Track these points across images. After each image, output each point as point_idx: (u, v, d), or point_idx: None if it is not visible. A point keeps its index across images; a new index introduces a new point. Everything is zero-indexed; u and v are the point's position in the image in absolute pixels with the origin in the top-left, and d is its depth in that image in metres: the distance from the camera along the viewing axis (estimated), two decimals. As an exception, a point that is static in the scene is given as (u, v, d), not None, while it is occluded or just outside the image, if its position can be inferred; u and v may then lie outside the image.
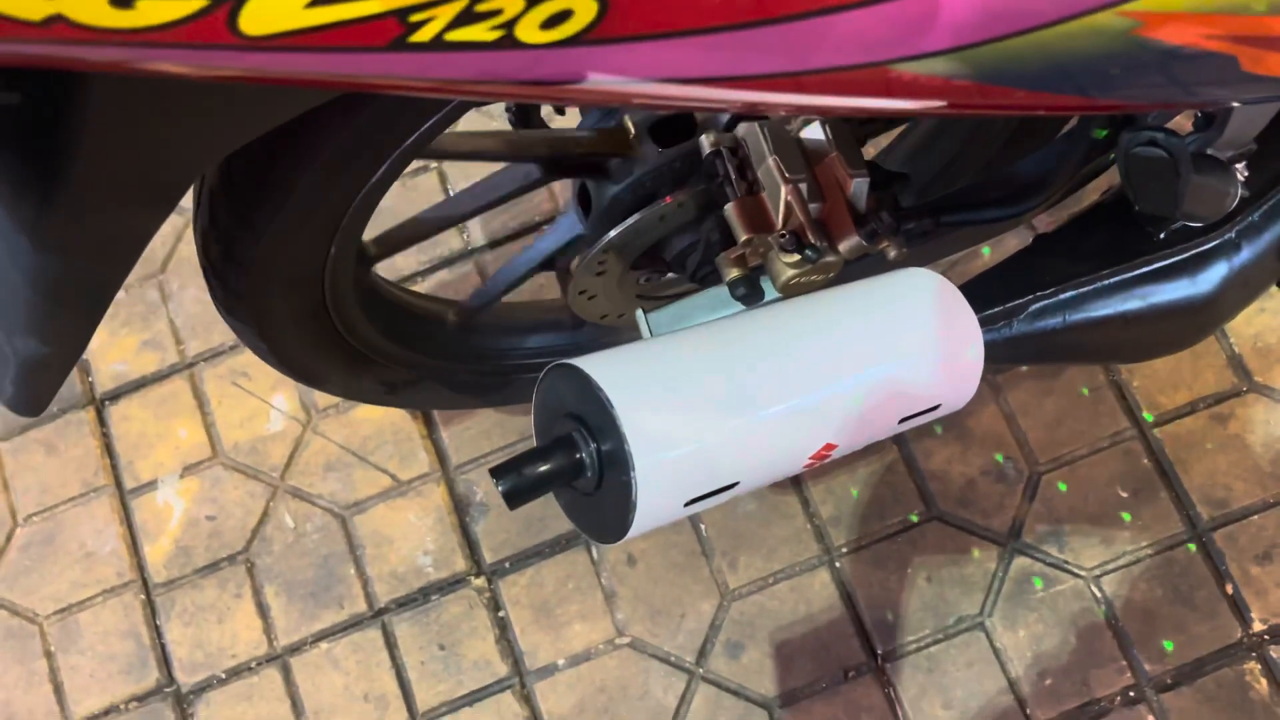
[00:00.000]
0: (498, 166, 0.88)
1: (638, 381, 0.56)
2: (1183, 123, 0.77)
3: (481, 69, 0.38)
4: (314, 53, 0.33)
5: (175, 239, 1.32)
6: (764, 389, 0.59)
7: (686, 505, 0.57)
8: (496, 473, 0.55)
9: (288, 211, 0.65)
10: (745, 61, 0.42)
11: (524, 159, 0.82)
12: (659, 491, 0.55)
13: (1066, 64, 0.42)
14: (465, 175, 1.32)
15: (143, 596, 1.22)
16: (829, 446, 0.61)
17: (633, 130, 0.77)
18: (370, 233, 0.81)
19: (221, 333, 1.29)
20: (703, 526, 1.19)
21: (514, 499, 0.55)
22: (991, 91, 0.44)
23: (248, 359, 1.28)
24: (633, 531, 0.56)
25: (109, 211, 0.49)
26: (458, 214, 0.90)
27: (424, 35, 0.34)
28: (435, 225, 0.90)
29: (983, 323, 0.69)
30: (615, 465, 0.55)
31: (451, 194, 1.31)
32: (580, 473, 0.56)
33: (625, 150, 0.78)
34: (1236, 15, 0.42)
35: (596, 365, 0.56)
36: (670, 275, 0.88)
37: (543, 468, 0.56)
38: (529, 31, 0.36)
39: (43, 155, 0.46)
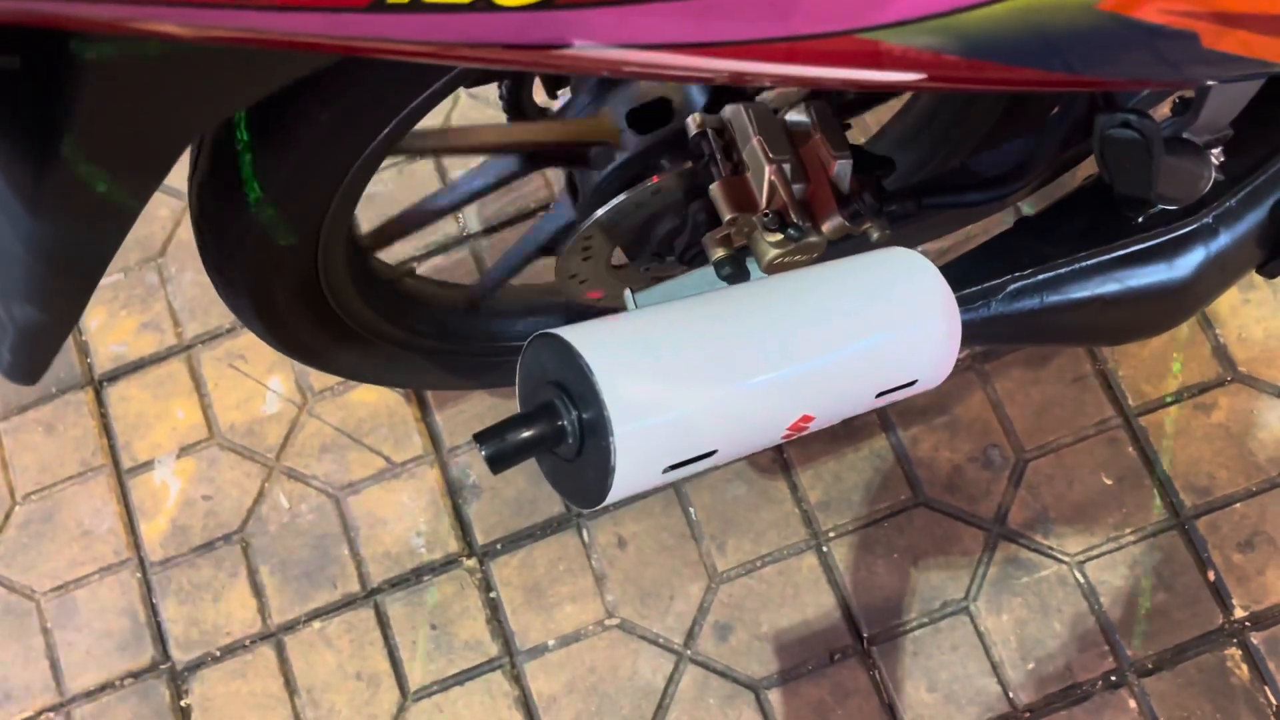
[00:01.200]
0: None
1: (619, 351, 0.58)
2: (1164, 110, 0.79)
3: (464, 32, 0.39)
4: (296, 13, 0.34)
5: (174, 223, 1.34)
6: (743, 360, 0.60)
7: (665, 471, 0.58)
8: (480, 438, 0.57)
9: (280, 184, 0.66)
10: (724, 28, 0.43)
11: (503, 151, 0.83)
12: (637, 457, 0.56)
13: (1031, 37, 0.43)
14: (462, 161, 1.34)
15: (139, 575, 1.23)
16: (806, 418, 0.62)
17: (611, 118, 0.79)
18: (365, 224, 0.83)
19: (219, 315, 1.30)
20: (692, 510, 1.21)
21: (497, 463, 0.57)
22: (962, 64, 0.46)
23: (245, 342, 1.30)
24: (612, 496, 0.57)
25: (104, 177, 0.50)
26: (445, 206, 0.92)
27: (402, -2, 0.35)
28: (424, 218, 0.92)
29: (961, 302, 0.71)
30: (595, 432, 0.56)
31: (448, 179, 1.33)
32: (562, 439, 0.58)
33: (604, 138, 0.79)
34: (1198, -8, 0.44)
35: (579, 335, 0.58)
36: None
37: (525, 433, 0.57)
38: (503, -6, 0.37)
39: (39, 121, 0.47)
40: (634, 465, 0.56)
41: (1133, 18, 0.43)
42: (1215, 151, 0.73)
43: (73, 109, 0.46)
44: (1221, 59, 0.48)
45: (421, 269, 1.31)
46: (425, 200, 0.93)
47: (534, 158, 0.84)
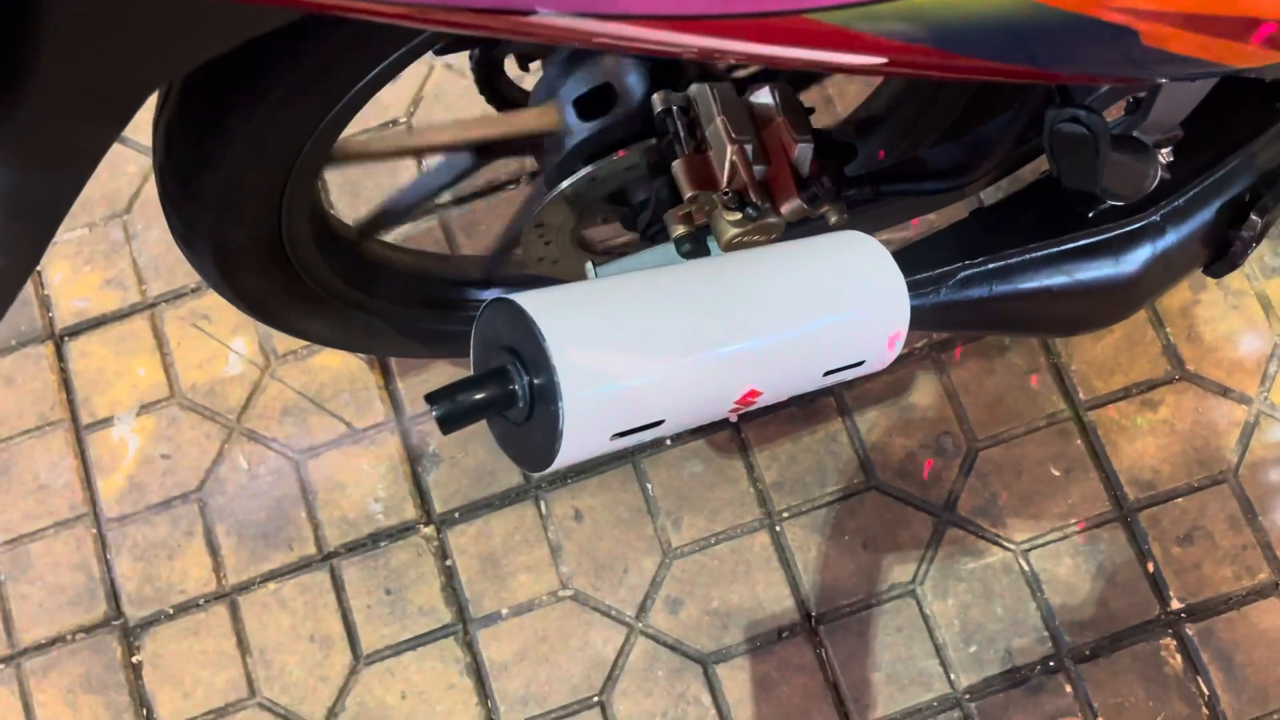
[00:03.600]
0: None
1: (572, 319, 0.59)
2: (1118, 110, 0.81)
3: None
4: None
5: (142, 179, 1.33)
6: (695, 333, 0.62)
7: (612, 439, 0.59)
8: (432, 398, 0.58)
9: (243, 143, 0.67)
10: (687, 2, 0.45)
11: (453, 149, 0.84)
12: (585, 424, 0.57)
13: (973, 25, 0.45)
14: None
15: (94, 531, 1.23)
16: (754, 393, 0.64)
17: (557, 108, 0.80)
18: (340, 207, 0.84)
19: (184, 275, 1.30)
20: (649, 486, 1.22)
21: (447, 424, 0.58)
22: (907, 49, 0.47)
23: (209, 302, 1.29)
24: (559, 461, 0.58)
25: (65, 124, 0.51)
26: (405, 205, 0.93)
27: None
28: (400, 214, 0.93)
29: (912, 287, 0.72)
30: (545, 397, 0.57)
31: (422, 162, 1.33)
32: (512, 403, 0.59)
33: (550, 128, 0.81)
34: (1137, -10, 0.45)
35: (533, 301, 0.59)
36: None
37: (477, 396, 0.58)
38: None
39: (0, 67, 0.48)
40: (582, 431, 0.57)
41: (1070, 11, 0.44)
42: (1164, 151, 0.74)
43: (35, 55, 0.46)
44: (1163, 57, 0.50)
45: (390, 237, 1.31)
46: (397, 196, 0.94)
47: (484, 152, 0.85)
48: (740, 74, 0.80)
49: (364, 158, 0.82)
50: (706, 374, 0.62)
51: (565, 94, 0.81)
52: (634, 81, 0.80)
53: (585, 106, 0.80)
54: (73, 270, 1.31)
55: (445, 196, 1.32)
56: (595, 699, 1.16)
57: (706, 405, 0.63)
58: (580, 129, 0.80)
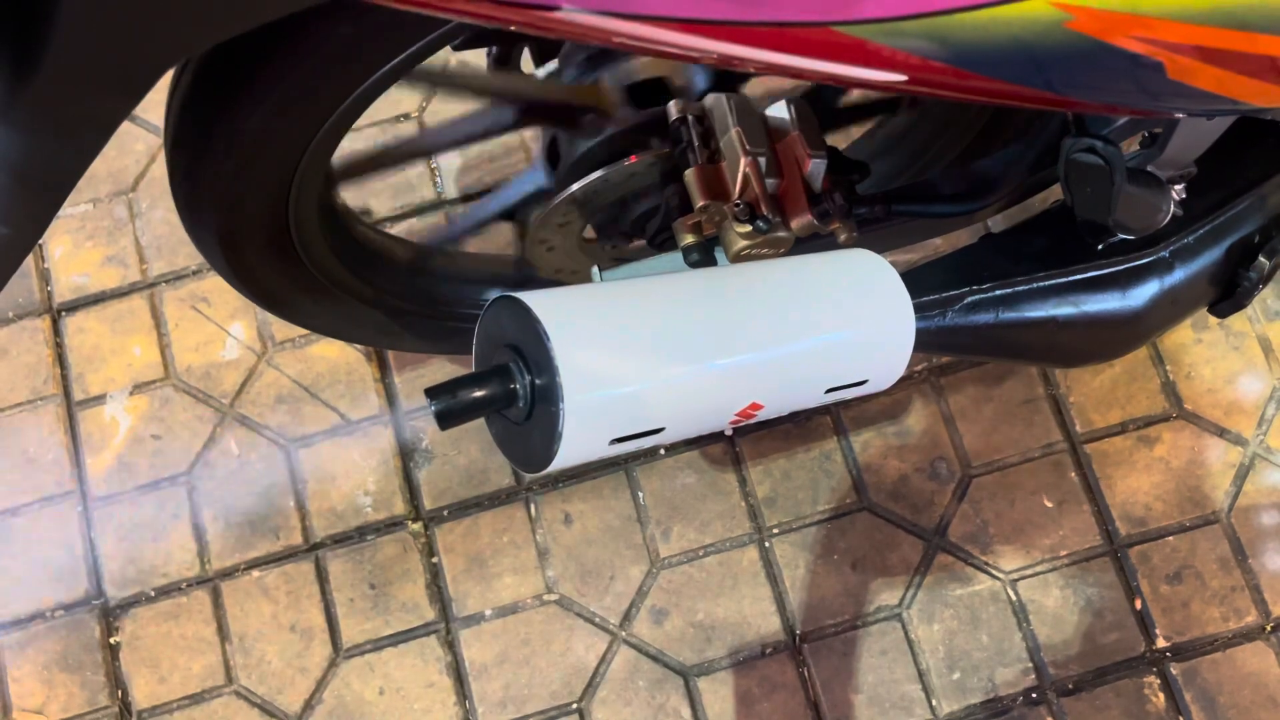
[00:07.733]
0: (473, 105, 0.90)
1: (578, 320, 0.58)
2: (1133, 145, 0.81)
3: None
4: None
5: (149, 158, 1.33)
6: (700, 342, 0.61)
7: (611, 444, 0.59)
8: (431, 393, 0.57)
9: (259, 123, 0.66)
10: (710, 7, 0.45)
11: (503, 97, 0.84)
12: (585, 427, 0.57)
13: (998, 48, 0.44)
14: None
15: (80, 508, 1.22)
16: (755, 406, 0.63)
17: (609, 88, 0.80)
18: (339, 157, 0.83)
19: (186, 256, 1.30)
20: (641, 494, 1.22)
21: (445, 420, 0.57)
22: (934, 68, 0.47)
23: (210, 285, 1.29)
24: (556, 463, 0.58)
25: (79, 94, 0.50)
26: (426, 146, 0.91)
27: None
28: (402, 154, 0.91)
29: (919, 309, 0.72)
30: (546, 398, 0.57)
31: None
32: (512, 402, 0.58)
33: (600, 106, 0.80)
34: (1168, 21, 0.45)
35: (540, 300, 0.58)
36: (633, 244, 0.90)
37: (477, 393, 0.58)
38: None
39: (17, 36, 0.47)
40: (581, 434, 0.57)
41: (1099, 40, 0.44)
42: (1178, 188, 0.74)
43: (53, 24, 0.46)
44: (1187, 91, 0.50)
45: (394, 230, 1.30)
46: (408, 139, 0.93)
47: (528, 112, 0.84)
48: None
49: (426, 80, 0.80)
50: (710, 384, 0.61)
51: (618, 80, 0.80)
52: (696, 81, 0.80)
53: (636, 96, 0.80)
54: (74, 245, 1.31)
55: (453, 193, 1.32)
56: (574, 706, 1.16)
57: (708, 415, 0.62)
58: (627, 115, 0.79)
